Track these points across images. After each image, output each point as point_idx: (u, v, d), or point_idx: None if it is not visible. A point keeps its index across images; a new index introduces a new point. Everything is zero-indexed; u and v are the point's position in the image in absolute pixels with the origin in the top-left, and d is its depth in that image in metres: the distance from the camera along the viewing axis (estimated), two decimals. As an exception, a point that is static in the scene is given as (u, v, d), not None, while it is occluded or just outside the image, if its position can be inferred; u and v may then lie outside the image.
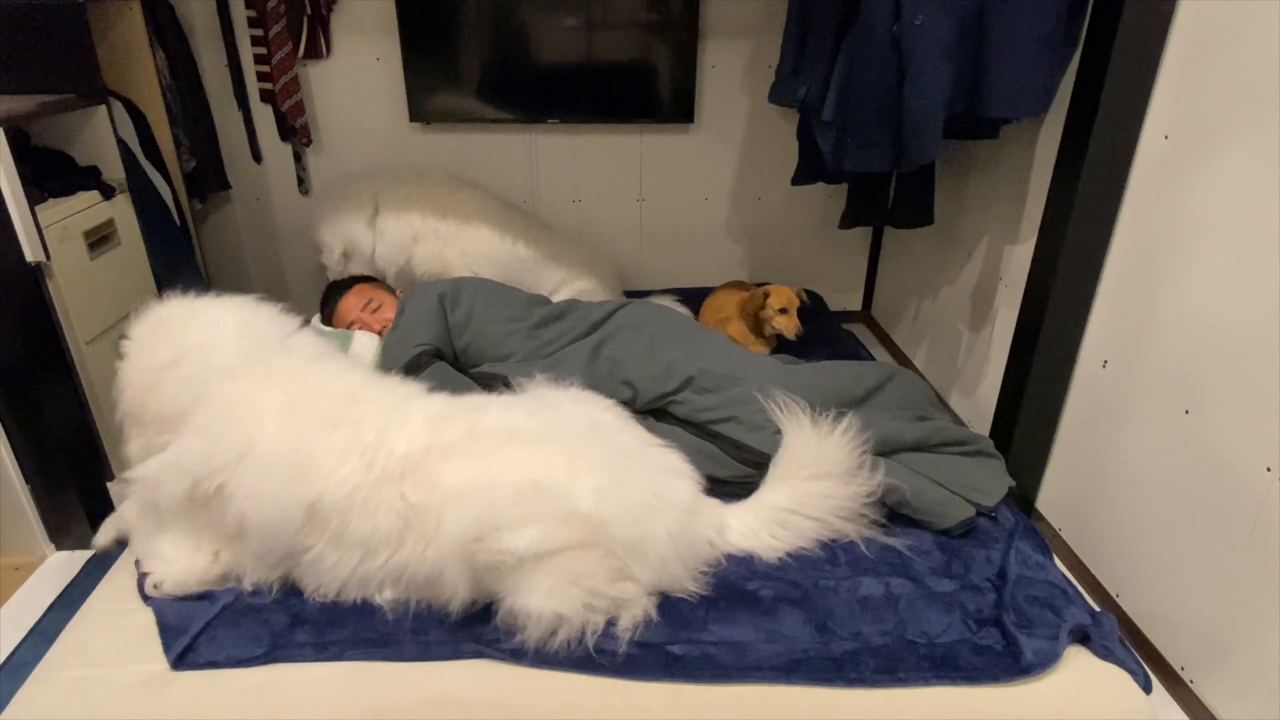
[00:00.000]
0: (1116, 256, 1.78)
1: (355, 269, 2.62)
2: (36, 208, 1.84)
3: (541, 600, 1.32)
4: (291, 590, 1.45)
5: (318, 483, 1.34)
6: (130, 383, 1.44)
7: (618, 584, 1.37)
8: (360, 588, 1.40)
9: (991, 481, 1.72)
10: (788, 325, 2.36)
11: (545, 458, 1.39)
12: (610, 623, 1.37)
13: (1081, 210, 1.77)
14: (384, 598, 1.40)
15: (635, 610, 1.38)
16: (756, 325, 2.43)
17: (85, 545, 1.96)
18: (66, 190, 2.02)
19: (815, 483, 1.58)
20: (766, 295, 2.39)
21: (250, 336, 1.48)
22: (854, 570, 1.53)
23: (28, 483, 1.90)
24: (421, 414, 1.46)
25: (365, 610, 1.41)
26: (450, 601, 1.37)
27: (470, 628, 1.38)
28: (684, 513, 1.45)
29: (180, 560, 1.43)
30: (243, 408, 1.37)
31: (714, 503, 1.60)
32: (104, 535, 1.68)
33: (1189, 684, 1.55)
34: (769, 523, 1.57)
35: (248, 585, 1.44)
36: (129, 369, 1.45)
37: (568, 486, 1.35)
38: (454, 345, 2.05)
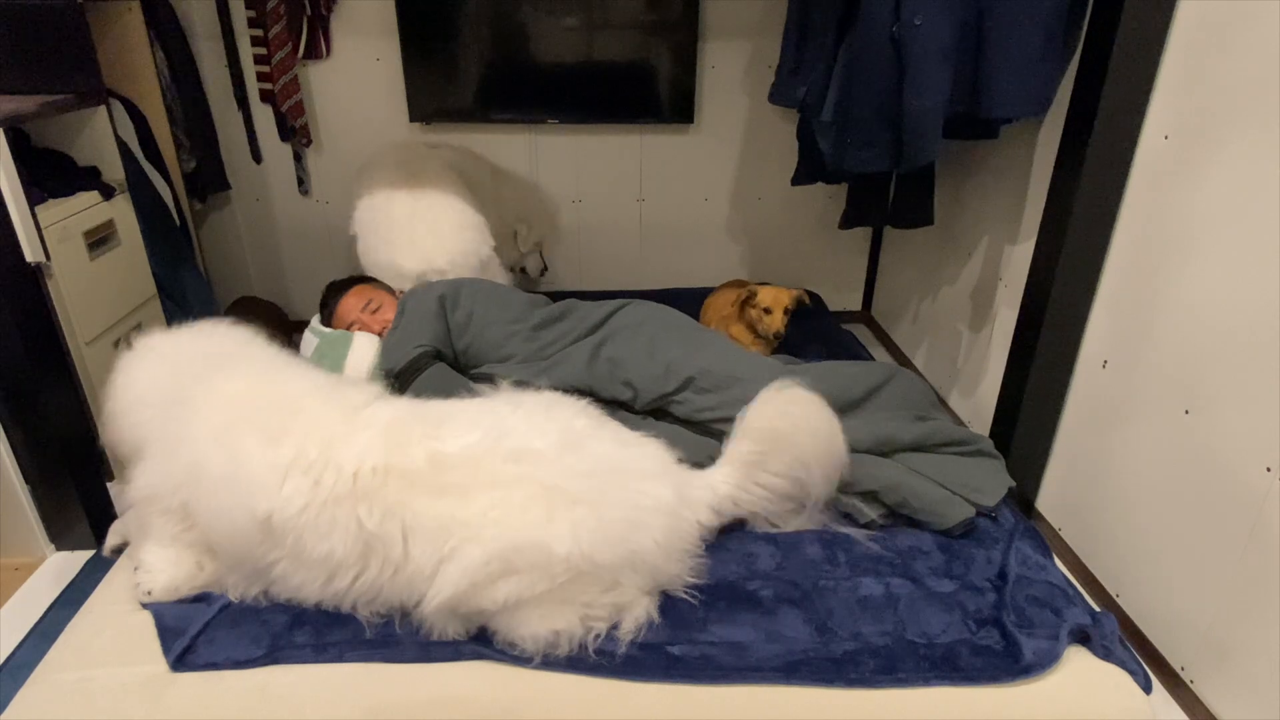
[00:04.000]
0: (1116, 256, 1.78)
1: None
2: (36, 208, 1.84)
3: (536, 625, 1.31)
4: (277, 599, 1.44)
5: (265, 499, 1.31)
6: (106, 425, 1.54)
7: (611, 592, 1.36)
8: (335, 603, 1.39)
9: (991, 481, 1.72)
10: (769, 325, 2.36)
11: (520, 502, 1.32)
12: (613, 626, 1.37)
13: (1081, 210, 1.77)
14: (364, 614, 1.39)
15: (637, 611, 1.38)
16: (751, 323, 2.43)
17: (85, 545, 1.96)
18: (66, 190, 2.02)
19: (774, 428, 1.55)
20: (754, 293, 2.38)
21: (182, 368, 1.50)
22: (854, 570, 1.53)
23: (28, 483, 1.90)
24: (369, 428, 1.39)
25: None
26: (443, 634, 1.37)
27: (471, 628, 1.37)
28: (668, 517, 1.41)
29: (165, 571, 1.44)
30: (179, 436, 1.40)
31: (699, 480, 1.55)
32: (110, 541, 1.73)
33: (1189, 684, 1.55)
34: (749, 468, 1.55)
35: (233, 597, 1.44)
36: (105, 412, 1.54)
37: (543, 534, 1.30)
38: (454, 346, 2.04)
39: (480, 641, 1.35)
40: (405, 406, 1.50)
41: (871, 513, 1.65)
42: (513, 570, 1.29)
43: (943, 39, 1.82)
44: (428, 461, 1.35)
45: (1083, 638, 1.37)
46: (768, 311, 2.36)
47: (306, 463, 1.33)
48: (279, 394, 1.45)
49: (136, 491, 1.44)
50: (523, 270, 3.05)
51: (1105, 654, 1.35)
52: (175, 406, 1.43)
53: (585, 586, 1.33)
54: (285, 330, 2.94)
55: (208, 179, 2.80)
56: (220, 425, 1.38)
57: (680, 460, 1.55)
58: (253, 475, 1.33)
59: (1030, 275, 1.96)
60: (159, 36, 2.54)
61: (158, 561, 1.45)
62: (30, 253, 1.80)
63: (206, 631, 1.37)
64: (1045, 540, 1.66)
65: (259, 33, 2.70)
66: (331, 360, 2.03)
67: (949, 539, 1.63)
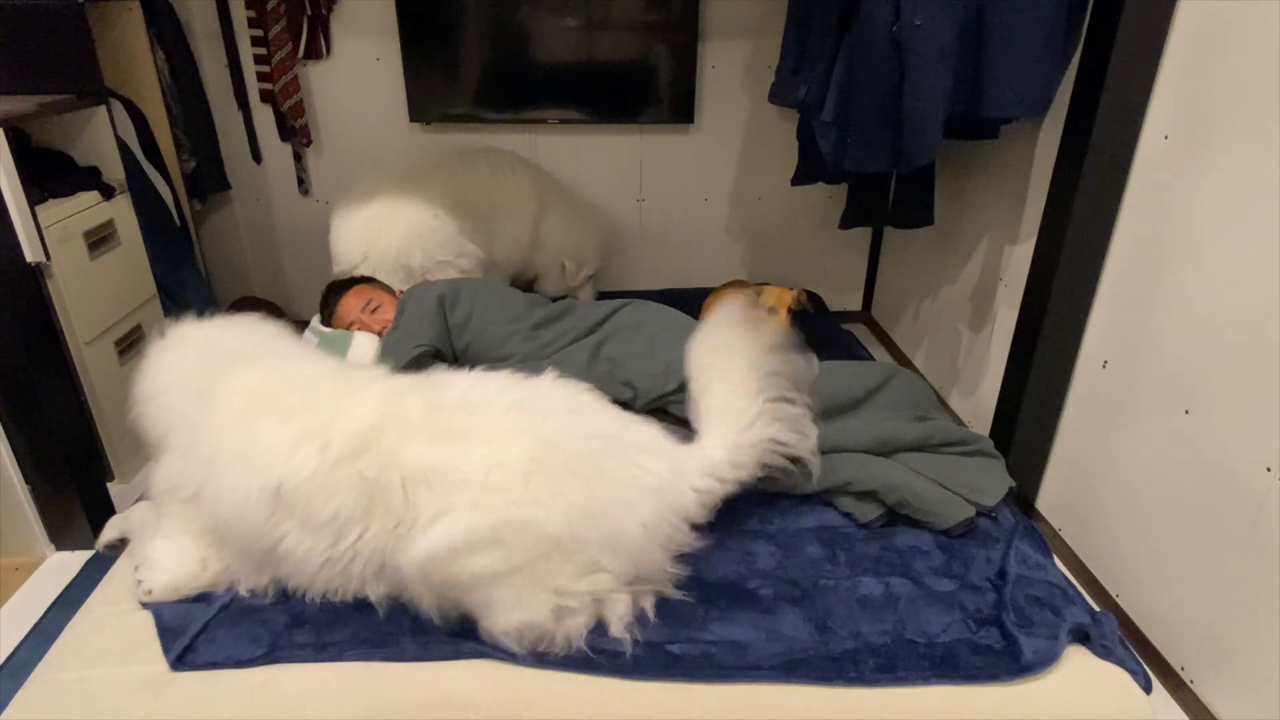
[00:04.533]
0: (1116, 256, 1.78)
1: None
2: (36, 208, 1.84)
3: (508, 614, 1.31)
4: (290, 592, 1.45)
5: (275, 470, 1.33)
6: (134, 410, 1.56)
7: (587, 577, 1.34)
8: (344, 579, 1.39)
9: (991, 481, 1.72)
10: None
11: (522, 466, 1.32)
12: (604, 623, 1.36)
13: (1081, 210, 1.77)
14: (376, 593, 1.39)
15: (618, 606, 1.37)
16: None
17: (85, 545, 1.96)
18: (66, 190, 2.02)
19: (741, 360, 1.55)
20: (759, 294, 2.39)
21: (217, 358, 1.53)
22: (854, 570, 1.53)
23: (28, 483, 1.90)
24: (376, 392, 1.43)
25: (365, 610, 1.41)
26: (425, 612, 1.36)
27: (470, 628, 1.37)
28: (659, 496, 1.40)
29: (169, 569, 1.44)
30: (203, 425, 1.41)
31: (693, 449, 1.52)
32: (106, 535, 1.73)
33: (1189, 684, 1.55)
34: (747, 429, 1.51)
35: (243, 591, 1.45)
36: (133, 396, 1.57)
37: (539, 511, 1.30)
38: (454, 346, 2.05)
39: (480, 640, 1.35)
40: (410, 377, 1.54)
41: (872, 513, 1.66)
42: (497, 541, 1.29)
43: (943, 39, 1.82)
44: (424, 408, 1.39)
45: (1083, 637, 1.37)
46: (772, 311, 2.36)
47: (316, 430, 1.36)
48: (294, 380, 1.47)
49: (158, 484, 1.47)
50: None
51: (1105, 654, 1.35)
52: (199, 398, 1.45)
53: (560, 566, 1.32)
54: (285, 330, 2.94)
55: (208, 179, 2.80)
56: (237, 413, 1.40)
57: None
58: (265, 451, 1.35)
59: (1030, 275, 1.96)
60: (159, 36, 2.54)
61: (163, 558, 1.45)
62: (30, 253, 1.80)
63: (207, 631, 1.38)
64: (1045, 540, 1.66)
65: (259, 33, 2.70)
66: (331, 360, 2.03)
67: (949, 539, 1.63)
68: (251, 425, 1.38)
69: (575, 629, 1.33)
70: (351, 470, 1.33)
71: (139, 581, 1.46)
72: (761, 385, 1.53)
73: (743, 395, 1.53)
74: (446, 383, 1.49)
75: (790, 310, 2.37)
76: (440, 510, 1.31)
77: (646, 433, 1.52)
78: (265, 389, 1.44)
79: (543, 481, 1.32)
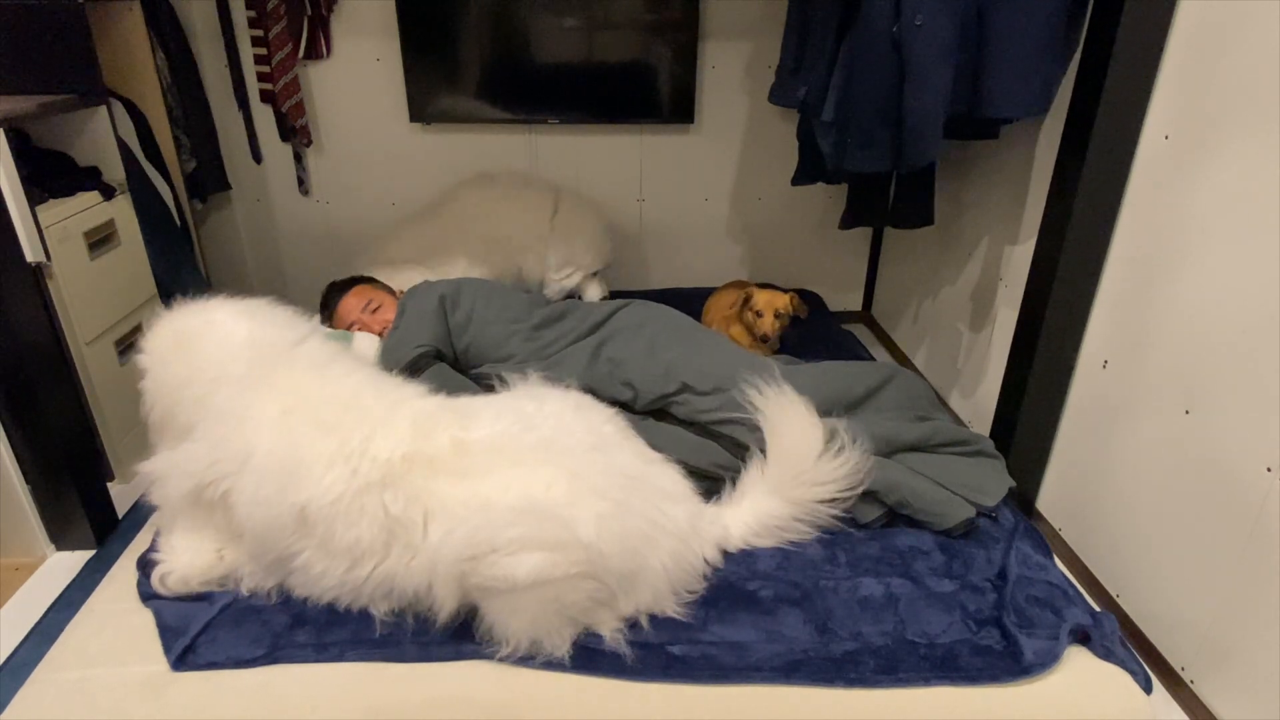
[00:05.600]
0: (1116, 256, 1.78)
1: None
2: (36, 208, 1.84)
3: (524, 625, 1.31)
4: (291, 592, 1.45)
5: (306, 488, 1.33)
6: (156, 401, 1.49)
7: (595, 611, 1.36)
8: (353, 597, 1.39)
9: (992, 481, 1.72)
10: (759, 327, 2.36)
11: (545, 480, 1.34)
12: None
13: (1081, 210, 1.77)
14: (379, 610, 1.39)
15: (604, 629, 1.37)
16: (749, 325, 2.43)
17: (85, 545, 1.96)
18: (66, 190, 2.02)
19: (813, 490, 1.59)
20: (751, 295, 2.38)
21: (258, 347, 1.50)
22: (854, 570, 1.53)
23: (28, 483, 1.90)
24: (408, 418, 1.43)
25: (365, 611, 1.41)
26: (437, 614, 1.35)
27: (470, 629, 1.37)
28: (679, 542, 1.43)
29: (187, 553, 1.44)
30: (242, 417, 1.40)
31: (713, 515, 1.58)
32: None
33: (1189, 684, 1.55)
34: (772, 529, 1.58)
35: (245, 590, 1.44)
36: (153, 386, 1.50)
37: (569, 511, 1.30)
38: (454, 346, 2.05)
39: (481, 642, 1.35)
40: (439, 400, 1.53)
41: (872, 513, 1.66)
42: (537, 544, 1.27)
43: (943, 39, 1.82)
44: (451, 447, 1.38)
45: (1083, 638, 1.37)
46: (760, 315, 2.36)
47: (348, 451, 1.35)
48: (335, 387, 1.47)
49: (181, 474, 1.41)
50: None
51: (1105, 654, 1.35)
52: (242, 388, 1.43)
53: (582, 591, 1.33)
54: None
55: (208, 179, 2.80)
56: (278, 413, 1.39)
57: (689, 479, 1.59)
58: (300, 463, 1.34)
59: (1030, 275, 1.96)
60: (159, 36, 2.53)
61: (185, 544, 1.45)
62: (30, 253, 1.80)
63: (207, 631, 1.38)
64: (1045, 540, 1.66)
65: (259, 33, 2.70)
66: (332, 360, 2.03)
67: (949, 539, 1.63)
68: (291, 431, 1.37)
69: (565, 641, 1.34)
70: (376, 501, 1.33)
71: (155, 565, 1.45)
72: (807, 497, 1.60)
73: (786, 495, 1.59)
74: (473, 411, 1.49)
75: (781, 314, 2.35)
76: (460, 523, 1.31)
77: (668, 475, 1.55)
78: (307, 392, 1.43)
79: (565, 491, 1.33)
